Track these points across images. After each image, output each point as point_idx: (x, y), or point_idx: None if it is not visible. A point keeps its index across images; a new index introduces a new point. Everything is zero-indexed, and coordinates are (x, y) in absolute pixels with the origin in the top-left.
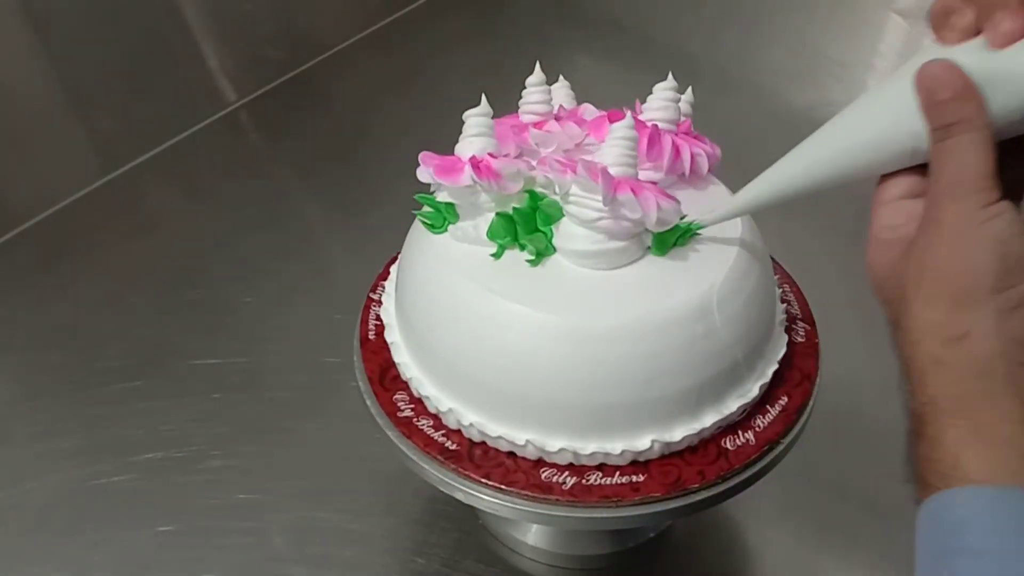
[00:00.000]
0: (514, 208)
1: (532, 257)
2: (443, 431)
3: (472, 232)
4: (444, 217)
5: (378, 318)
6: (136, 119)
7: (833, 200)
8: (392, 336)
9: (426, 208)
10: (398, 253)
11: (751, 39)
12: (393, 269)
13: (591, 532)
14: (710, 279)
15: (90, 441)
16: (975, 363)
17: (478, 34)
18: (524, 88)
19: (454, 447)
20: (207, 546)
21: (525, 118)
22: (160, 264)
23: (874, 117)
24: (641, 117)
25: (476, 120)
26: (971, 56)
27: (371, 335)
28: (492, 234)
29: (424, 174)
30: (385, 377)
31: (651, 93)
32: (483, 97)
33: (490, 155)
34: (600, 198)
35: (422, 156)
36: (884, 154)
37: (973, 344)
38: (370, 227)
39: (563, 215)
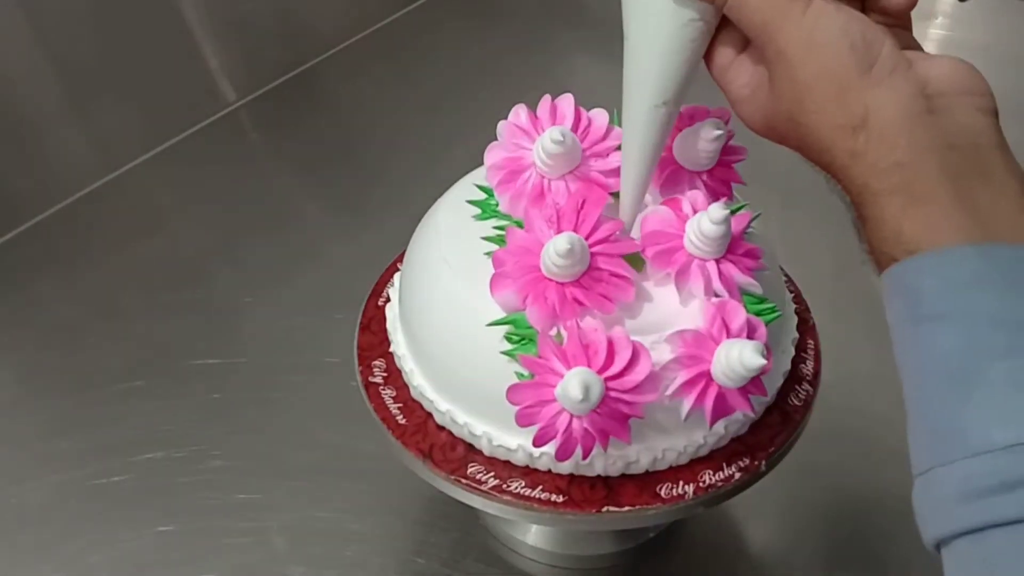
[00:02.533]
0: None
1: None
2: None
3: None
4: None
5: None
6: (136, 119)
7: (834, 200)
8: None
9: None
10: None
11: None
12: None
13: (591, 532)
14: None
15: (90, 441)
16: (888, 136)
17: (478, 34)
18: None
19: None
20: (207, 546)
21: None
22: (160, 264)
23: (651, 33)
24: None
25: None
26: None
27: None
28: None
29: None
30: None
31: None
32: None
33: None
34: None
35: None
36: (688, 48)
37: (878, 120)
38: (370, 227)
39: None
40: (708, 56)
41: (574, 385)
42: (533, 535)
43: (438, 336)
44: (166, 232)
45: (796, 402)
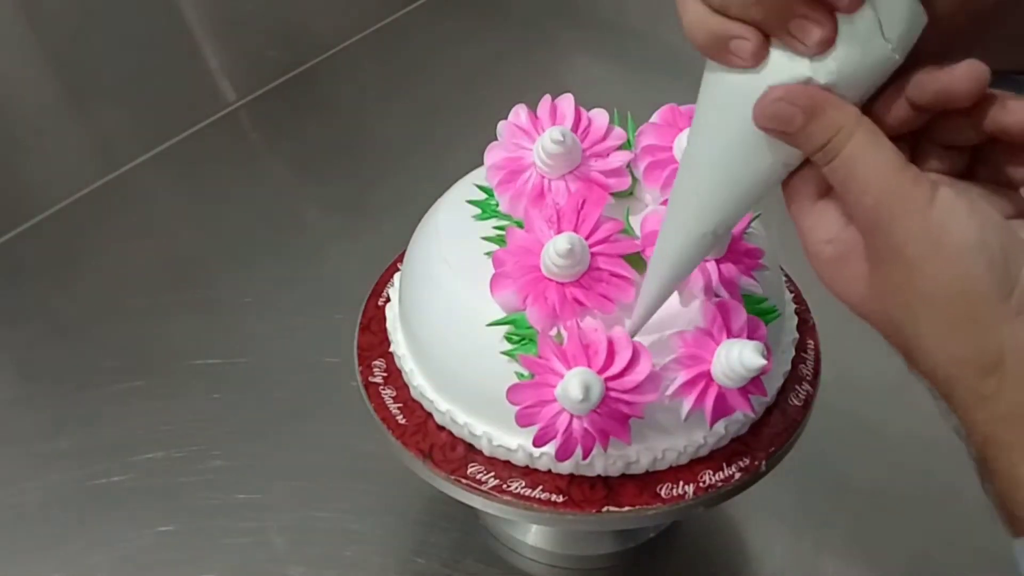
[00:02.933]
0: None
1: None
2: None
3: None
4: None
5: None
6: (136, 119)
7: None
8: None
9: None
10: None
11: None
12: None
13: (591, 532)
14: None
15: (90, 441)
16: (1023, 385)
17: (478, 34)
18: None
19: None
20: (207, 546)
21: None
22: (160, 264)
23: (724, 164)
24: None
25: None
26: (782, 73)
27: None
28: None
29: None
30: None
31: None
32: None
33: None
34: None
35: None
36: (761, 188)
37: (1015, 362)
38: (370, 227)
39: None
40: (785, 187)
41: (574, 385)
42: (533, 535)
43: (438, 336)
44: (166, 232)
45: (796, 402)
